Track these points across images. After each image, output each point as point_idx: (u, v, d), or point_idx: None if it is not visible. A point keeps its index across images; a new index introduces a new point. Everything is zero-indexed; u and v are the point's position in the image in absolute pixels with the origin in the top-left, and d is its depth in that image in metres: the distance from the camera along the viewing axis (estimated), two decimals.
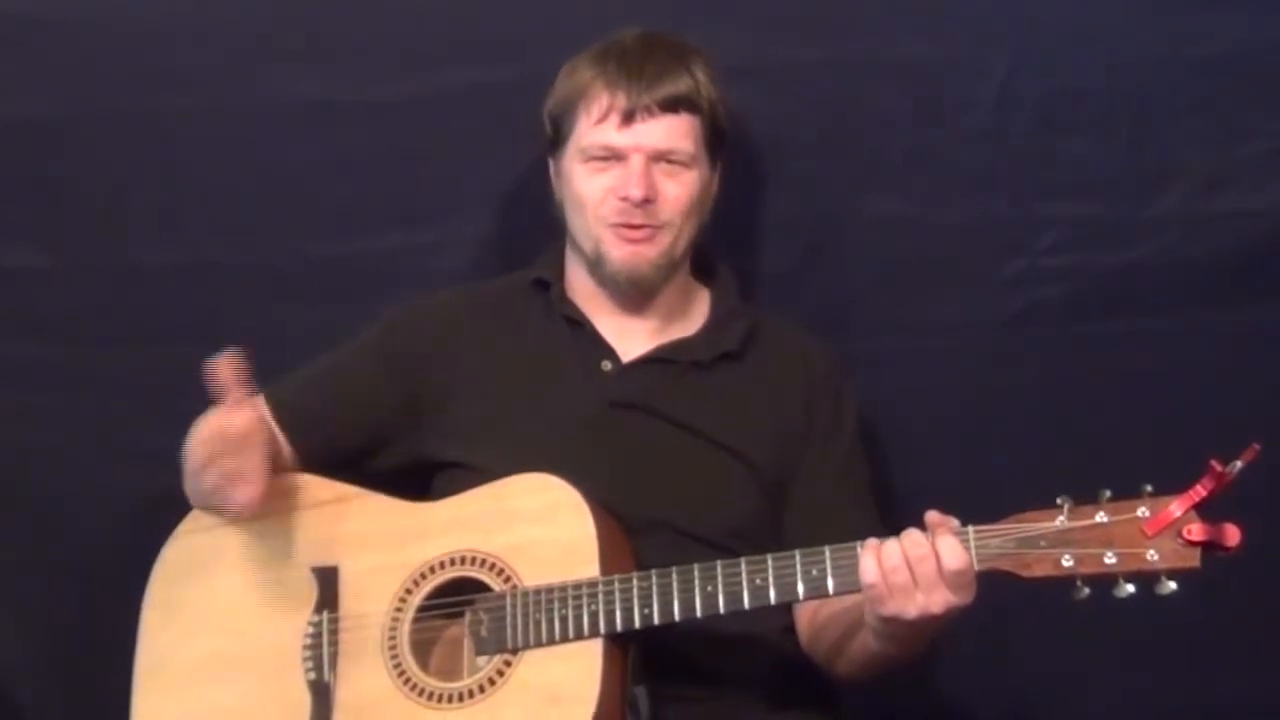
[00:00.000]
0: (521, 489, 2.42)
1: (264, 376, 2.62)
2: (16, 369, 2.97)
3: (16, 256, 2.95)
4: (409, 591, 2.43)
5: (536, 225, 2.78)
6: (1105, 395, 2.86)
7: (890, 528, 2.26)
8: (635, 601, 2.32)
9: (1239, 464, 2.10)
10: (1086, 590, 2.17)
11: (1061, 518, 2.18)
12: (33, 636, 2.99)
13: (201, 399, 2.41)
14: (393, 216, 2.94)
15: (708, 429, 2.53)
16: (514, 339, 2.62)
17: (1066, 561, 2.17)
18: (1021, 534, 2.19)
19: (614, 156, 2.53)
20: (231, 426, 2.38)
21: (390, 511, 2.50)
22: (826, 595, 2.29)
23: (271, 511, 2.50)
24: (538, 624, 2.35)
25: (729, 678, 2.47)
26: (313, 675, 2.44)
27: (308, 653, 2.45)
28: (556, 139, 2.60)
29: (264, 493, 2.41)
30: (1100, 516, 2.18)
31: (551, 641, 2.34)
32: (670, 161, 2.53)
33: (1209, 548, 2.16)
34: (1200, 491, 2.14)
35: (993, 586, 2.23)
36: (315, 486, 2.54)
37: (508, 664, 2.36)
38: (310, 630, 2.45)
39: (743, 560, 2.31)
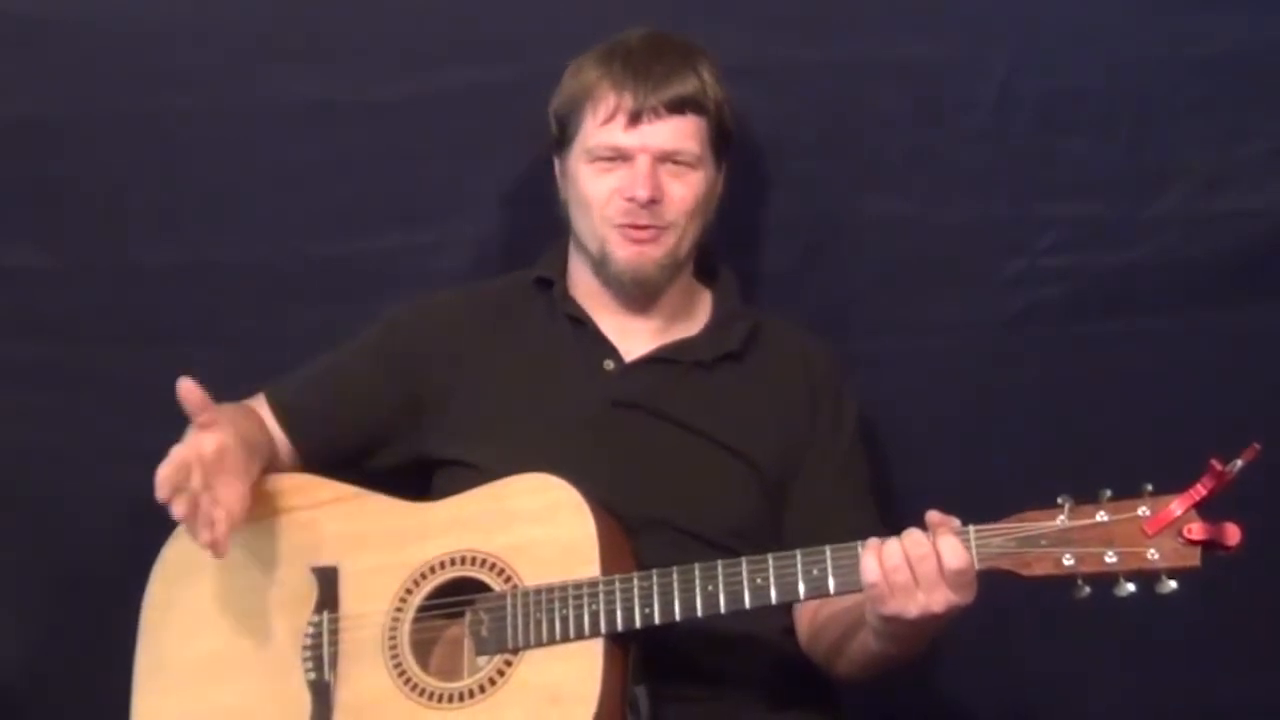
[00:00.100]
0: (522, 489, 2.42)
1: (264, 377, 2.64)
2: (16, 369, 2.97)
3: (16, 256, 2.95)
4: (409, 591, 2.43)
5: (537, 225, 2.79)
6: (1105, 395, 2.86)
7: (891, 528, 2.26)
8: (636, 601, 2.32)
9: (1239, 463, 2.10)
10: (1087, 589, 2.17)
11: (1062, 517, 2.19)
12: (33, 636, 2.99)
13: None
14: (393, 216, 2.94)
15: (709, 429, 2.54)
16: (515, 338, 2.62)
17: (1067, 561, 2.17)
18: (1022, 533, 2.20)
19: (620, 157, 2.53)
20: (202, 451, 2.37)
21: (390, 511, 2.50)
22: (827, 595, 2.29)
23: (271, 512, 2.50)
24: (538, 624, 2.35)
25: (729, 678, 2.47)
26: (313, 675, 2.43)
27: (308, 653, 2.45)
28: (562, 139, 2.60)
29: (236, 523, 2.37)
30: (1101, 516, 2.18)
31: (552, 641, 2.34)
32: (676, 162, 2.53)
33: (1209, 547, 2.16)
34: (1200, 491, 2.14)
35: (993, 586, 2.23)
36: (315, 486, 2.54)
37: (508, 664, 2.36)
38: (310, 630, 2.45)
39: (744, 560, 2.31)
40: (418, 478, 2.58)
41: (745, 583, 2.30)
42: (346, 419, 2.62)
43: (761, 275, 2.89)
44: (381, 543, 2.47)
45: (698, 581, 2.32)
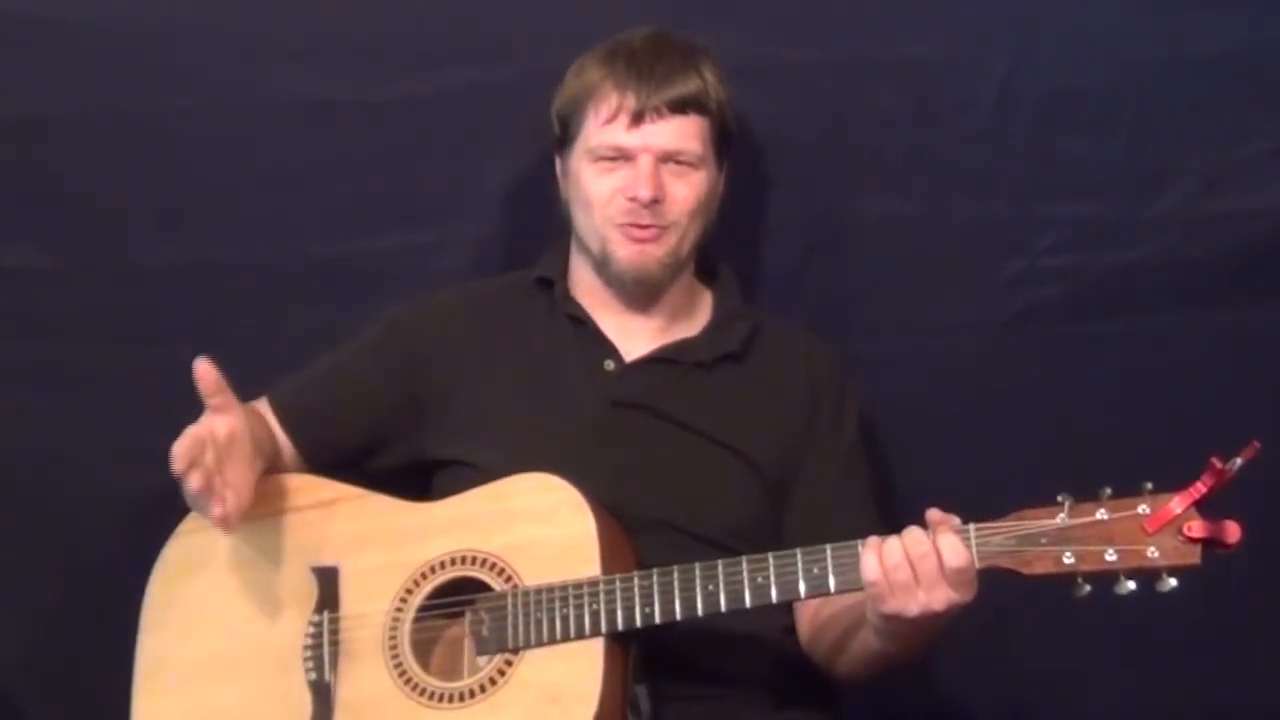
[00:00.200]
0: (522, 489, 2.42)
1: (264, 377, 2.64)
2: (16, 369, 2.97)
3: (16, 256, 2.95)
4: (410, 591, 2.43)
5: (537, 225, 2.79)
6: (1105, 395, 2.86)
7: (891, 527, 2.26)
8: (636, 601, 2.32)
9: (1239, 461, 2.10)
10: (1087, 588, 2.17)
11: (1062, 515, 2.19)
12: (33, 636, 2.99)
13: (200, 400, 2.41)
14: (393, 216, 2.94)
15: (710, 429, 2.54)
16: (516, 337, 2.62)
17: (1067, 559, 2.17)
18: (1022, 531, 2.20)
19: (622, 157, 2.53)
20: (215, 433, 2.38)
21: (391, 511, 2.50)
22: (828, 593, 2.29)
23: (271, 512, 2.51)
24: (539, 623, 2.35)
25: (730, 677, 2.47)
26: (313, 675, 2.43)
27: (308, 652, 2.44)
28: (564, 138, 2.60)
29: (244, 506, 2.39)
30: (1101, 514, 2.18)
31: (553, 641, 2.34)
32: (679, 162, 2.53)
33: (1209, 545, 2.16)
34: (1200, 489, 2.14)
35: (993, 584, 2.23)
36: (316, 486, 2.54)
37: (509, 663, 2.36)
38: (311, 630, 2.45)
39: (744, 559, 2.31)
40: (418, 478, 2.58)
41: (746, 582, 2.30)
42: (347, 419, 2.62)
43: (761, 275, 2.89)
44: (382, 542, 2.46)
45: (698, 581, 2.32)
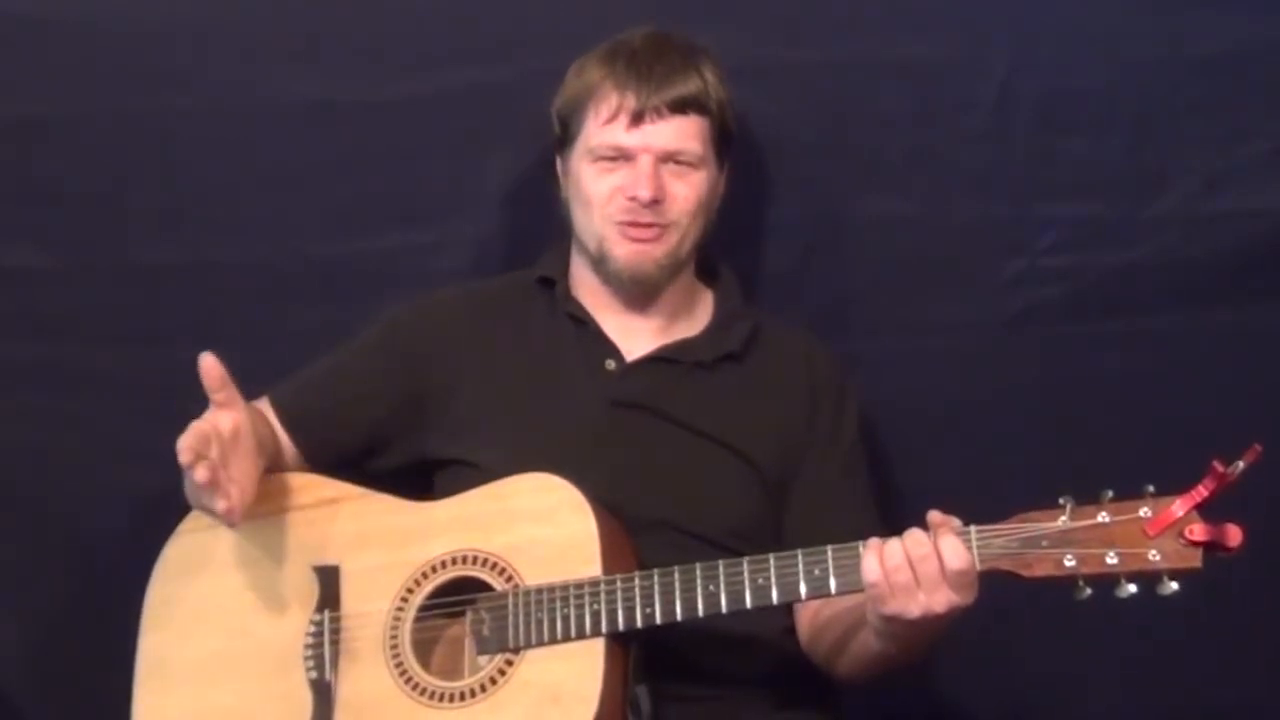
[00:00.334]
0: (523, 488, 2.42)
1: (264, 377, 2.63)
2: (16, 369, 2.96)
3: (16, 256, 2.95)
4: (410, 591, 2.43)
5: (537, 225, 2.79)
6: (1105, 395, 2.86)
7: (891, 528, 2.26)
8: (637, 601, 2.32)
9: (1241, 464, 2.10)
10: (1088, 590, 2.17)
11: (1063, 518, 2.19)
12: (33, 636, 2.99)
13: (201, 399, 2.41)
14: (393, 216, 2.94)
15: (710, 429, 2.54)
16: (517, 337, 2.62)
17: (1068, 561, 2.17)
18: (1024, 534, 2.20)
19: (622, 157, 2.53)
20: (219, 428, 2.38)
21: (392, 511, 2.50)
22: (829, 595, 2.29)
23: (272, 511, 2.51)
24: (539, 623, 2.35)
25: (730, 677, 2.47)
26: (314, 674, 2.43)
27: (309, 652, 2.45)
28: (564, 138, 2.60)
29: (247, 501, 2.40)
30: (1102, 516, 2.18)
31: (553, 641, 2.34)
32: (679, 162, 2.53)
33: (1211, 548, 2.16)
34: (1202, 492, 2.14)
35: (994, 586, 2.23)
36: (317, 486, 2.54)
37: (509, 663, 2.36)
38: (311, 629, 2.45)
39: (745, 560, 2.31)
40: (419, 477, 2.58)
41: (747, 583, 2.31)
42: (348, 419, 2.62)
43: (761, 275, 2.89)
44: (383, 542, 2.47)
45: (699, 581, 2.32)
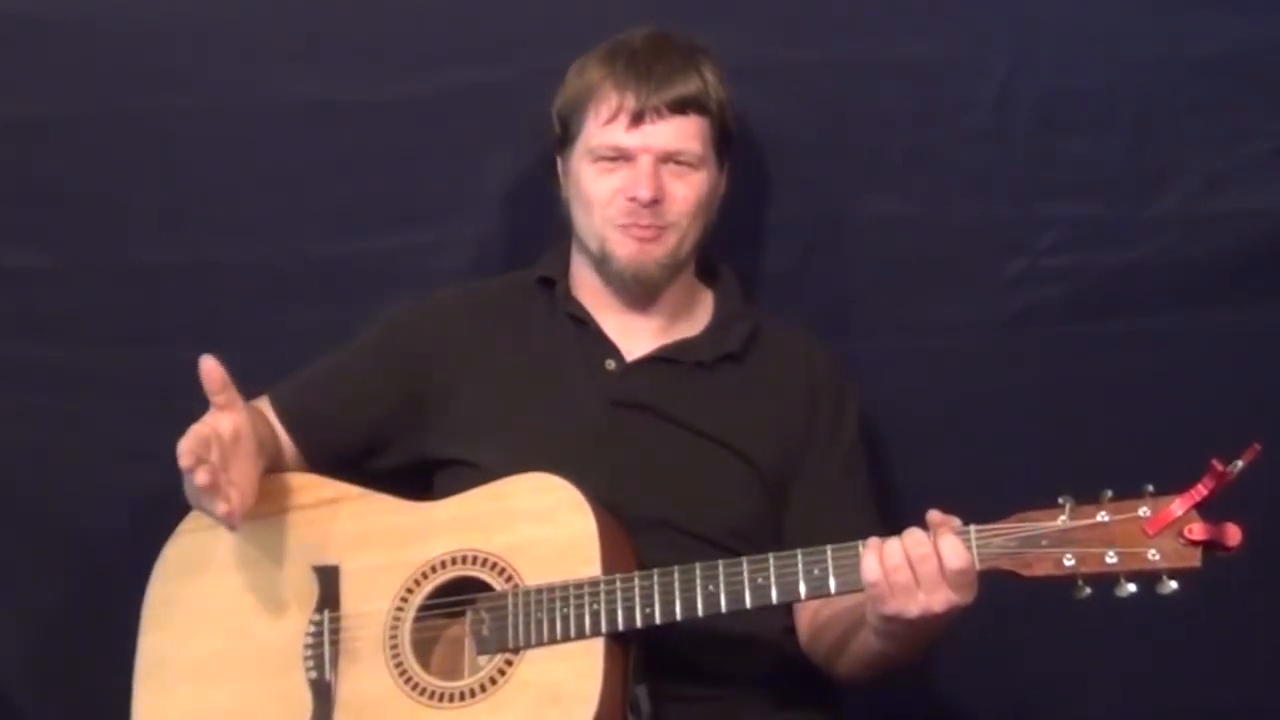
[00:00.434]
0: (523, 488, 2.42)
1: (264, 377, 2.63)
2: (16, 369, 2.97)
3: (16, 256, 2.95)
4: (410, 591, 2.43)
5: (537, 225, 2.79)
6: (1105, 395, 2.86)
7: (891, 528, 2.26)
8: (637, 601, 2.32)
9: (1240, 464, 2.10)
10: (1088, 590, 2.17)
11: (1063, 517, 2.19)
12: (33, 636, 2.99)
13: (201, 399, 2.41)
14: (393, 216, 2.94)
15: (710, 429, 2.54)
16: (517, 337, 2.62)
17: (1068, 561, 2.17)
18: (1023, 533, 2.20)
19: (622, 157, 2.53)
20: (220, 430, 2.38)
21: (392, 511, 2.50)
22: (828, 594, 2.29)
23: (272, 511, 2.51)
24: (539, 623, 2.35)
25: (730, 677, 2.47)
26: (314, 674, 2.43)
27: (309, 652, 2.45)
28: (565, 138, 2.60)
29: (248, 504, 2.40)
30: (1101, 516, 2.18)
31: (553, 641, 2.34)
32: (679, 162, 2.53)
33: (1210, 547, 2.16)
34: (1201, 491, 2.14)
35: (994, 586, 2.23)
36: (317, 486, 2.54)
37: (509, 663, 2.36)
38: (311, 629, 2.45)
39: (744, 560, 2.31)
40: (419, 477, 2.58)
41: (746, 582, 2.31)
42: (348, 419, 2.62)
43: (761, 275, 2.89)
44: (383, 542, 2.47)
45: (699, 581, 2.32)
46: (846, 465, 2.60)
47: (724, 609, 2.31)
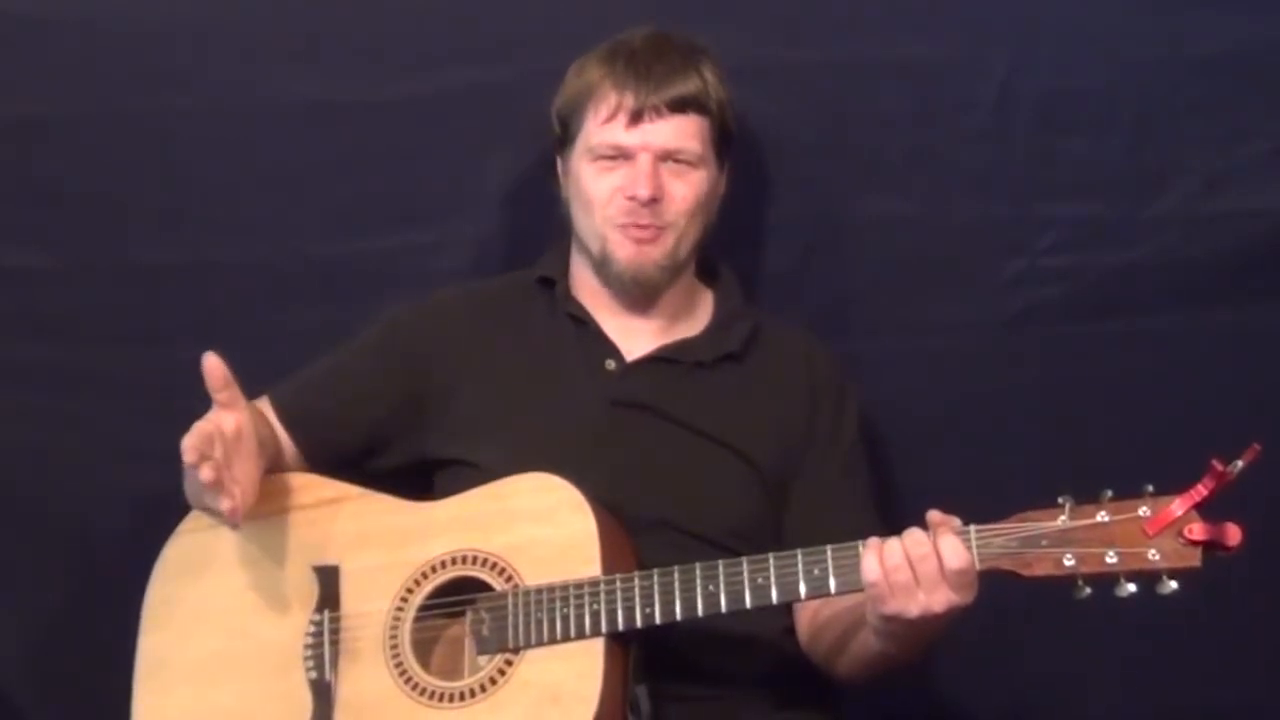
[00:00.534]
0: (523, 488, 2.42)
1: (264, 377, 2.63)
2: (16, 369, 2.97)
3: (16, 256, 2.95)
4: (410, 591, 2.43)
5: (537, 225, 2.79)
6: (1105, 395, 2.86)
7: (891, 528, 2.26)
8: (637, 601, 2.32)
9: (1240, 464, 2.10)
10: (1088, 590, 2.17)
11: (1063, 517, 2.19)
12: (33, 636, 2.99)
13: (201, 399, 2.41)
14: (393, 216, 2.94)
15: (710, 429, 2.54)
16: (517, 337, 2.62)
17: (1068, 561, 2.17)
18: (1023, 533, 2.20)
19: (622, 156, 2.53)
20: (223, 428, 2.38)
21: (391, 511, 2.50)
22: (828, 594, 2.29)
23: (273, 511, 2.50)
24: (539, 623, 2.35)
25: (730, 677, 2.47)
26: (314, 674, 2.43)
27: (309, 652, 2.44)
28: (564, 138, 2.60)
29: (250, 501, 2.40)
30: (1101, 516, 2.18)
31: (553, 641, 2.34)
32: (678, 161, 2.53)
33: (1210, 547, 2.16)
34: (1201, 491, 2.14)
35: (993, 586, 2.23)
36: (316, 485, 2.54)
37: (509, 663, 2.36)
38: (311, 629, 2.45)
39: (744, 560, 2.31)
40: (419, 477, 2.58)
41: (746, 582, 2.31)
42: (348, 419, 2.62)
43: (761, 275, 2.89)
44: (383, 542, 2.47)
45: (698, 581, 2.32)
46: (846, 465, 2.60)
47: (724, 609, 2.31)
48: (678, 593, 2.32)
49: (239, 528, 2.40)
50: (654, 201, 2.52)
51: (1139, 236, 2.84)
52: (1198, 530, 2.15)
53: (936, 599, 2.19)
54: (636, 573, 2.35)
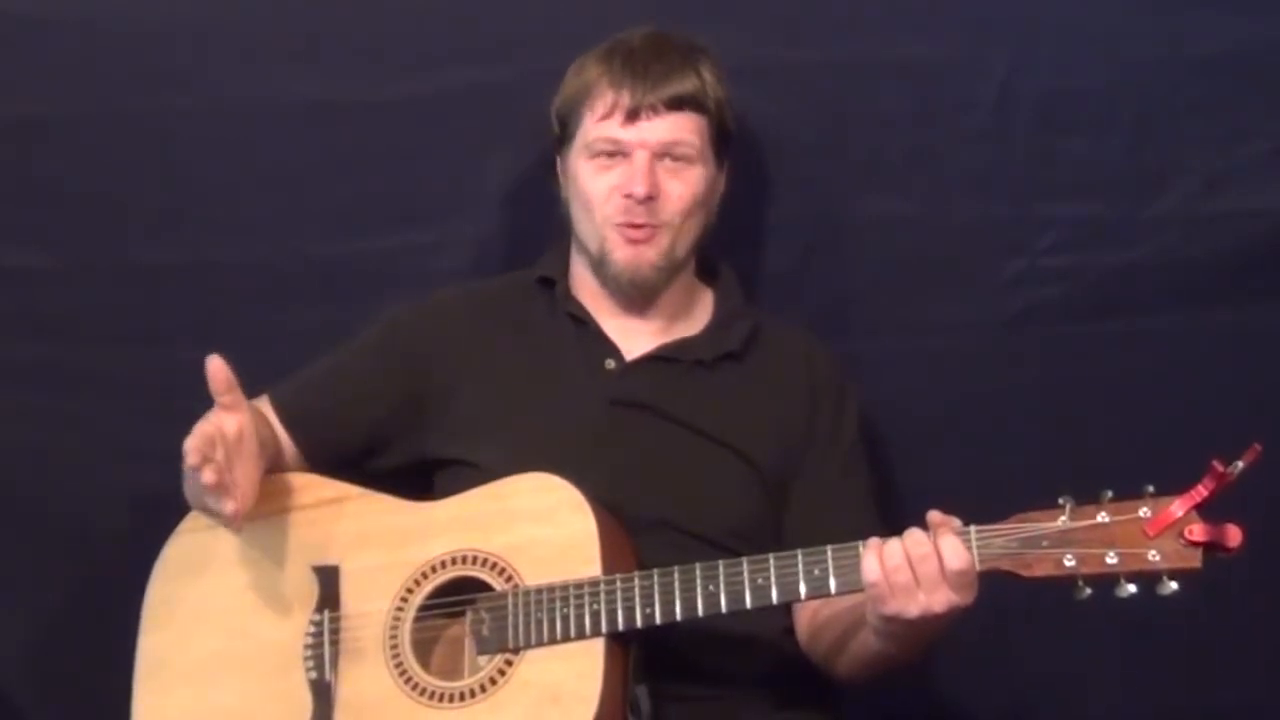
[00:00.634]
0: (523, 488, 2.42)
1: (264, 377, 2.63)
2: (16, 369, 2.97)
3: (16, 256, 2.95)
4: (410, 591, 2.43)
5: (537, 225, 2.79)
6: (1105, 395, 2.86)
7: (891, 528, 2.26)
8: (637, 601, 2.32)
9: (1240, 464, 2.10)
10: (1088, 590, 2.17)
11: (1063, 518, 2.19)
12: (33, 636, 2.99)
13: (201, 399, 2.41)
14: (393, 216, 2.94)
15: (710, 428, 2.54)
16: (517, 337, 2.62)
17: (1068, 561, 2.17)
18: (1023, 534, 2.20)
19: (619, 153, 2.53)
20: (224, 430, 2.38)
21: (392, 511, 2.50)
22: (828, 595, 2.29)
23: (273, 511, 2.50)
24: (539, 623, 2.35)
25: (730, 677, 2.47)
26: (314, 674, 2.43)
27: (309, 652, 2.44)
28: (563, 136, 2.60)
29: (250, 504, 2.40)
30: (1102, 516, 2.18)
31: (553, 641, 2.34)
32: (675, 158, 2.53)
33: (1210, 548, 2.16)
34: (1202, 492, 2.14)
35: (994, 586, 2.23)
36: (316, 485, 2.54)
37: (509, 663, 2.36)
38: (311, 629, 2.45)
39: (744, 560, 2.31)
40: (419, 477, 2.58)
41: (746, 582, 2.31)
42: (348, 419, 2.62)
43: (761, 275, 2.89)
44: (383, 542, 2.46)
45: (699, 581, 2.32)
46: (846, 465, 2.60)
47: (724, 609, 2.31)
48: (678, 593, 2.32)
49: (239, 530, 2.41)
50: (650, 199, 2.52)
51: (1139, 236, 2.84)
52: (1198, 531, 2.15)
53: (937, 599, 2.19)
54: (636, 573, 2.35)
